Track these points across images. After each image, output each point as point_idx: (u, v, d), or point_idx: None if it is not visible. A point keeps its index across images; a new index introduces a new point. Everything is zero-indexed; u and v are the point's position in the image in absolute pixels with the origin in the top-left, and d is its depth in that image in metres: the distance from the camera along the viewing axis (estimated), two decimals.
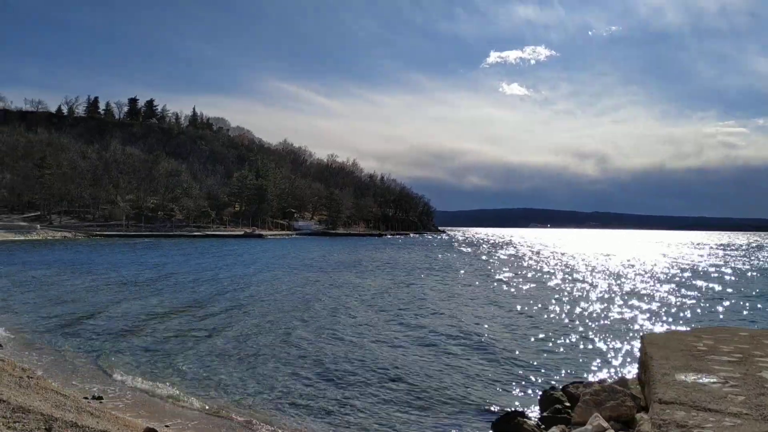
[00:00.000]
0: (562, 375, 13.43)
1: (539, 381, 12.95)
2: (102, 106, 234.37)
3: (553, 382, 12.47)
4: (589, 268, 49.47)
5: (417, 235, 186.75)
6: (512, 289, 32.13)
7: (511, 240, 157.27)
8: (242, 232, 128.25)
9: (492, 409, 11.08)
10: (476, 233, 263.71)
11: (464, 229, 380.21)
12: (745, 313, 24.26)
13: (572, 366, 14.35)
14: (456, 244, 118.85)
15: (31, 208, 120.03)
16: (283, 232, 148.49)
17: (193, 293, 28.58)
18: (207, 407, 11.20)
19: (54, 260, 48.32)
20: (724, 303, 26.97)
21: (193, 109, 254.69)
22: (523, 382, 12.90)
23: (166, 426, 9.66)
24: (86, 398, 11.08)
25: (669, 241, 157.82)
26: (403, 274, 42.24)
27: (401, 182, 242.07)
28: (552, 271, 46.96)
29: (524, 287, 33.42)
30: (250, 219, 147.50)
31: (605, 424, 7.61)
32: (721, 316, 22.92)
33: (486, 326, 19.96)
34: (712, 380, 7.15)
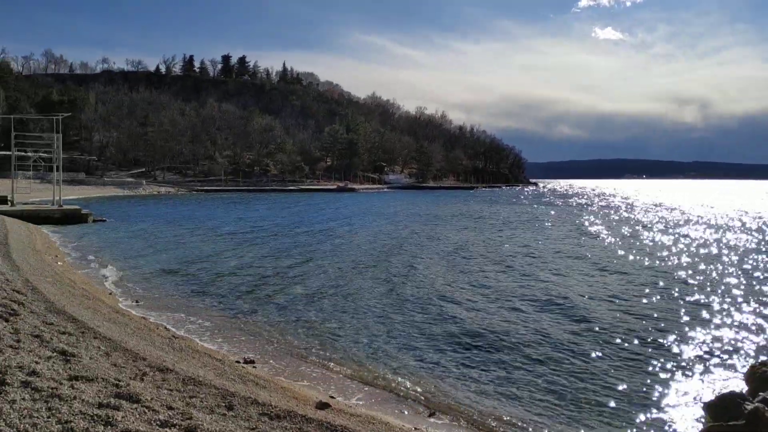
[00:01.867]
0: (745, 350, 11.65)
1: (723, 355, 11.27)
2: (197, 64, 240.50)
3: (734, 358, 10.81)
4: (719, 226, 45.87)
5: (528, 188, 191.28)
6: (653, 249, 29.90)
7: (628, 193, 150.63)
8: (335, 186, 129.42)
9: (689, 387, 9.58)
10: (572, 186, 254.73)
11: (556, 181, 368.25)
12: None
13: (747, 337, 12.52)
14: (561, 198, 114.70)
15: (136, 165, 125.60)
16: (375, 186, 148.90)
17: (311, 248, 28.27)
18: (366, 377, 10.33)
19: (167, 215, 49.91)
20: None
21: (283, 64, 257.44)
22: (711, 354, 11.25)
23: (331, 397, 8.84)
24: (238, 362, 10.46)
25: None
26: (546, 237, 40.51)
27: (491, 134, 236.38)
28: (679, 227, 43.79)
29: (659, 246, 31.06)
30: (342, 173, 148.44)
31: None
32: None
33: (641, 294, 18.23)
34: None
